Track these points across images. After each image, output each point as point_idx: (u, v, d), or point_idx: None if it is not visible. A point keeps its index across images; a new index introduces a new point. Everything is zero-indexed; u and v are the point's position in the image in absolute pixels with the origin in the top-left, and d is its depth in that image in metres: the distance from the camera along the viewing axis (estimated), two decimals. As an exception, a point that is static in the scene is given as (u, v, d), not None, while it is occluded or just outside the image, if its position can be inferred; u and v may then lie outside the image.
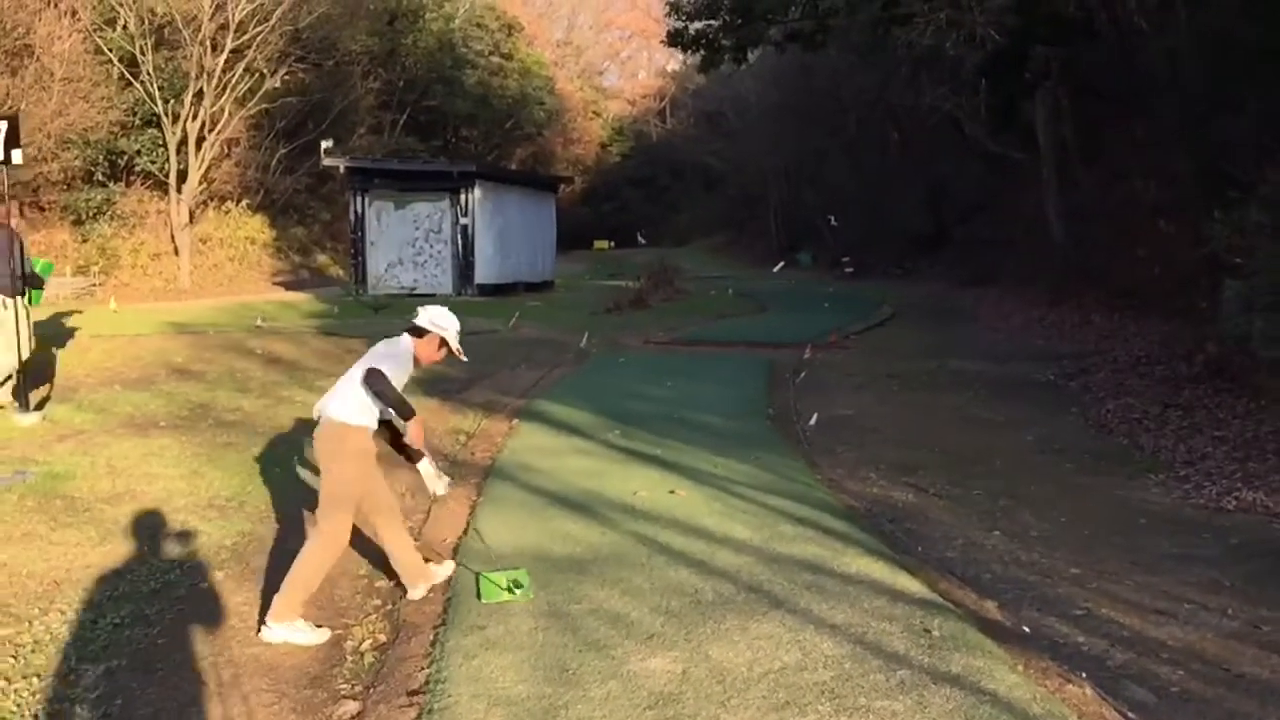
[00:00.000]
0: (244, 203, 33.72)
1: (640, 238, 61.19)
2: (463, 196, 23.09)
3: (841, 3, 14.89)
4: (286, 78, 33.43)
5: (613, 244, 65.59)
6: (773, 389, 11.90)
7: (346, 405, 4.90)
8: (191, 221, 30.58)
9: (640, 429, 9.34)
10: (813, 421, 9.02)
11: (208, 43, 29.42)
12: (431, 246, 23.32)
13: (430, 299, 23.08)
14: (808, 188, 49.89)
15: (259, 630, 4.81)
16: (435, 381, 12.33)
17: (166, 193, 30.39)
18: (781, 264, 43.65)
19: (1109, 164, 20.71)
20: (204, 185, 31.46)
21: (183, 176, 30.07)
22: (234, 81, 30.37)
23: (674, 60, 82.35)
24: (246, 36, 30.00)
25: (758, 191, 56.66)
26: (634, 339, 17.13)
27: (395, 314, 19.37)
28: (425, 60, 45.56)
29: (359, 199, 23.55)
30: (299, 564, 4.84)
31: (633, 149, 76.89)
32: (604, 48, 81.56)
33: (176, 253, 30.08)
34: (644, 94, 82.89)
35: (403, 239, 23.43)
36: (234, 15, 29.50)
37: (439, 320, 5.35)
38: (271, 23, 30.45)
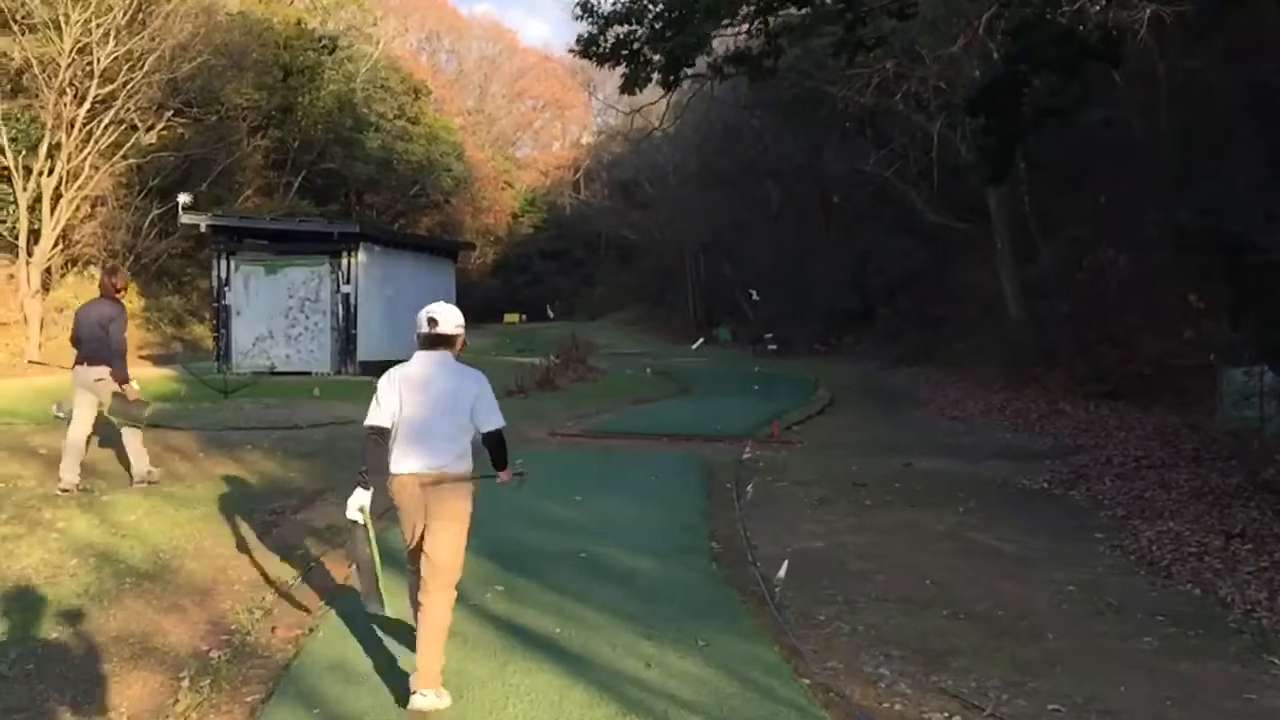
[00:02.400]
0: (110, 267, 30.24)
1: (550, 311, 58.64)
2: (345, 261, 20.19)
3: (798, 18, 12.53)
4: (163, 131, 30.36)
5: (524, 317, 63.07)
6: (713, 505, 9.19)
7: (466, 459, 4.71)
8: (45, 288, 27.12)
9: (535, 581, 6.54)
10: (782, 572, 6.29)
11: (68, 90, 26.29)
12: (308, 317, 20.32)
13: (304, 377, 20.11)
14: (727, 261, 47.92)
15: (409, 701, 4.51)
16: (271, 492, 9.41)
17: (16, 256, 26.92)
18: (701, 340, 41.42)
19: (1070, 234, 18.69)
20: (61, 247, 28.07)
21: (36, 237, 26.67)
22: (100, 134, 27.22)
23: (588, 132, 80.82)
24: (114, 85, 26.95)
25: (675, 264, 54.63)
26: (538, 430, 14.36)
27: (253, 396, 16.30)
28: (323, 120, 42.70)
29: (224, 262, 20.50)
30: (430, 628, 4.59)
31: (546, 220, 74.69)
32: (516, 117, 79.58)
33: (25, 322, 26.54)
34: (558, 165, 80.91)
35: (274, 308, 20.40)
36: (100, 60, 26.44)
37: (458, 319, 4.89)
38: (144, 70, 27.44)
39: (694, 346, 38.52)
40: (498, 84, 76.66)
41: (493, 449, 4.83)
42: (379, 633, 5.67)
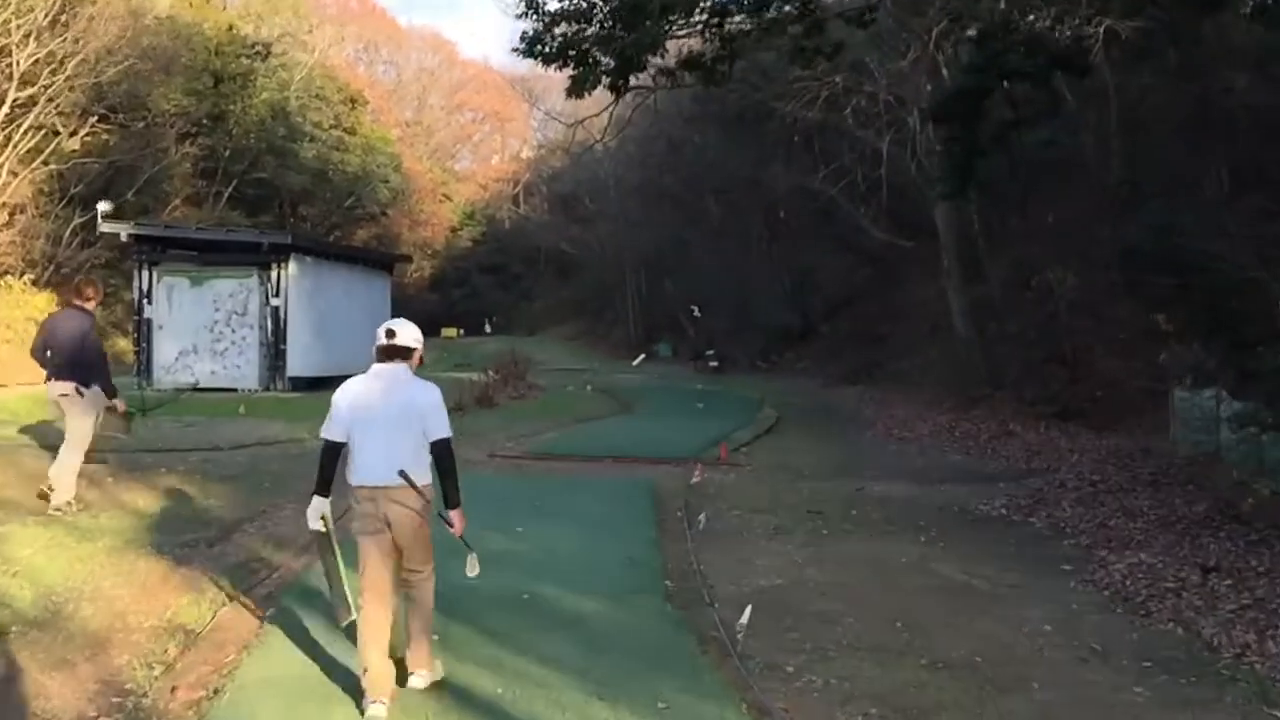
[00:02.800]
0: (27, 277, 28.93)
1: (487, 326, 57.84)
2: (274, 273, 19.35)
3: (754, 23, 12.05)
4: (87, 137, 29.22)
5: (462, 332, 62.12)
6: (663, 535, 8.62)
7: (425, 469, 4.80)
8: (-43, 298, 25.87)
9: (472, 628, 5.93)
10: (745, 619, 5.74)
11: (-18, 93, 25.18)
12: (234, 331, 19.44)
13: (230, 394, 19.22)
14: (668, 277, 47.52)
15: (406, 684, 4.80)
16: (185, 523, 8.68)
17: (-75, 265, 25.71)
18: (642, 356, 40.89)
19: (1018, 253, 18.47)
20: (-26, 257, 26.85)
21: (-54, 245, 25.48)
22: (19, 139, 26.08)
23: (528, 146, 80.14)
24: (34, 88, 25.86)
25: (615, 280, 54.11)
26: (476, 451, 13.70)
27: (173, 414, 15.44)
28: (256, 129, 41.59)
29: (146, 273, 19.55)
30: (420, 616, 4.90)
31: (484, 234, 73.79)
32: (455, 129, 78.65)
33: (-64, 333, 25.24)
34: (497, 178, 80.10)
35: (199, 322, 19.49)
36: (19, 63, 25.34)
37: (417, 335, 4.94)
38: (66, 73, 26.37)
39: (635, 363, 37.96)
40: (436, 95, 75.71)
41: (439, 459, 4.83)
42: (304, 683, 5.03)
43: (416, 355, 4.92)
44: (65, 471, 8.47)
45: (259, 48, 40.91)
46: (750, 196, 36.25)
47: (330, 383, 18.06)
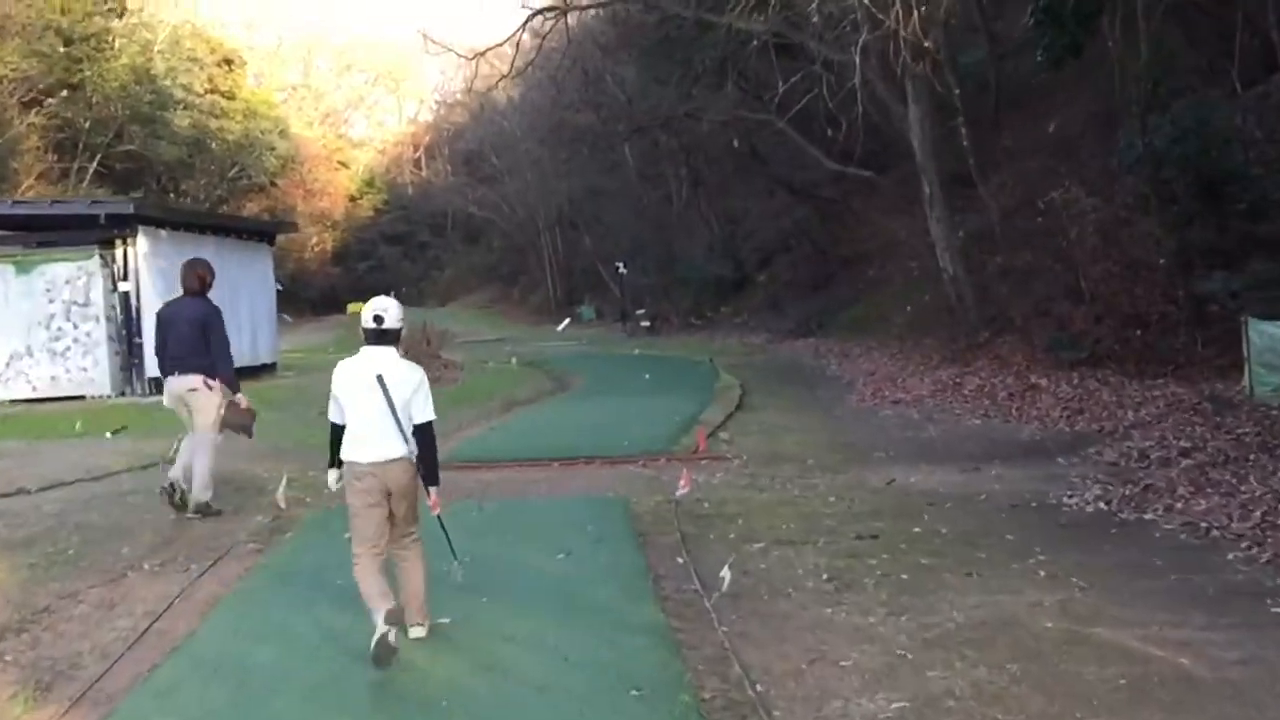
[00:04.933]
0: None
1: (394, 297, 54.04)
2: (121, 251, 15.77)
3: None
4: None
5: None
6: (671, 613, 5.49)
7: (414, 445, 5.00)
8: None
9: None
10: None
11: None
12: (76, 326, 15.79)
13: (77, 403, 15.72)
14: (586, 234, 44.35)
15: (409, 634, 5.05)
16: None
17: None
18: (567, 321, 37.82)
19: (1015, 174, 15.69)
20: None
21: None
22: None
23: (426, 108, 75.88)
24: None
25: (528, 241, 50.82)
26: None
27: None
28: (118, 95, 37.24)
29: (-45, 262, 15.82)
30: (419, 574, 5.20)
31: (387, 202, 69.77)
32: (347, 93, 73.93)
33: None
34: (396, 142, 75.84)
35: (31, 318, 15.83)
36: None
37: (401, 314, 5.15)
38: None
39: (560, 329, 34.94)
40: (323, 57, 70.90)
41: (422, 440, 5.02)
42: None
43: (401, 335, 5.15)
44: (201, 465, 8.04)
45: (111, 4, 36.44)
46: (672, 138, 33.17)
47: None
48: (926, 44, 13.06)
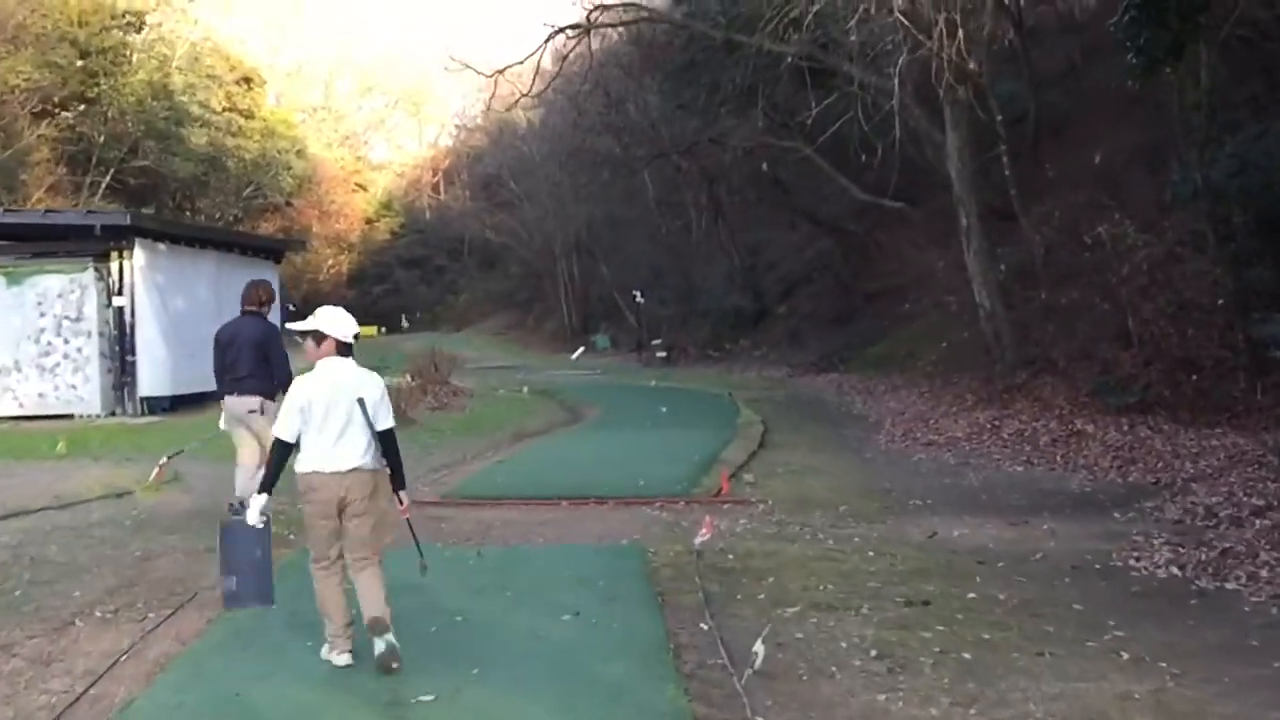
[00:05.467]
0: None
1: (405, 321, 53.41)
2: (116, 264, 15.06)
3: None
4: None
5: (384, 330, 57.77)
6: (696, 695, 4.66)
7: (378, 454, 5.01)
8: None
9: None
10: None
11: None
12: (67, 341, 15.07)
13: (64, 422, 14.99)
14: (604, 262, 43.63)
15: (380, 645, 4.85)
16: None
17: None
18: (580, 349, 37.06)
19: (1061, 206, 14.87)
20: None
21: None
22: None
23: (445, 133, 75.58)
24: None
25: (545, 267, 50.09)
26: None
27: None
28: (134, 110, 36.78)
29: (-57, 272, 15.13)
30: (381, 591, 5.02)
31: (404, 226, 69.25)
32: (368, 115, 73.68)
33: None
34: (415, 165, 75.46)
35: (20, 330, 15.10)
36: None
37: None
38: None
39: (574, 357, 34.13)
40: (345, 79, 70.66)
41: (387, 447, 5.02)
42: None
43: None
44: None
45: (130, 18, 36.02)
46: (693, 165, 32.48)
47: (198, 402, 13.83)
48: (971, 65, 12.29)
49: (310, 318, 5.10)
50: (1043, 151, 16.12)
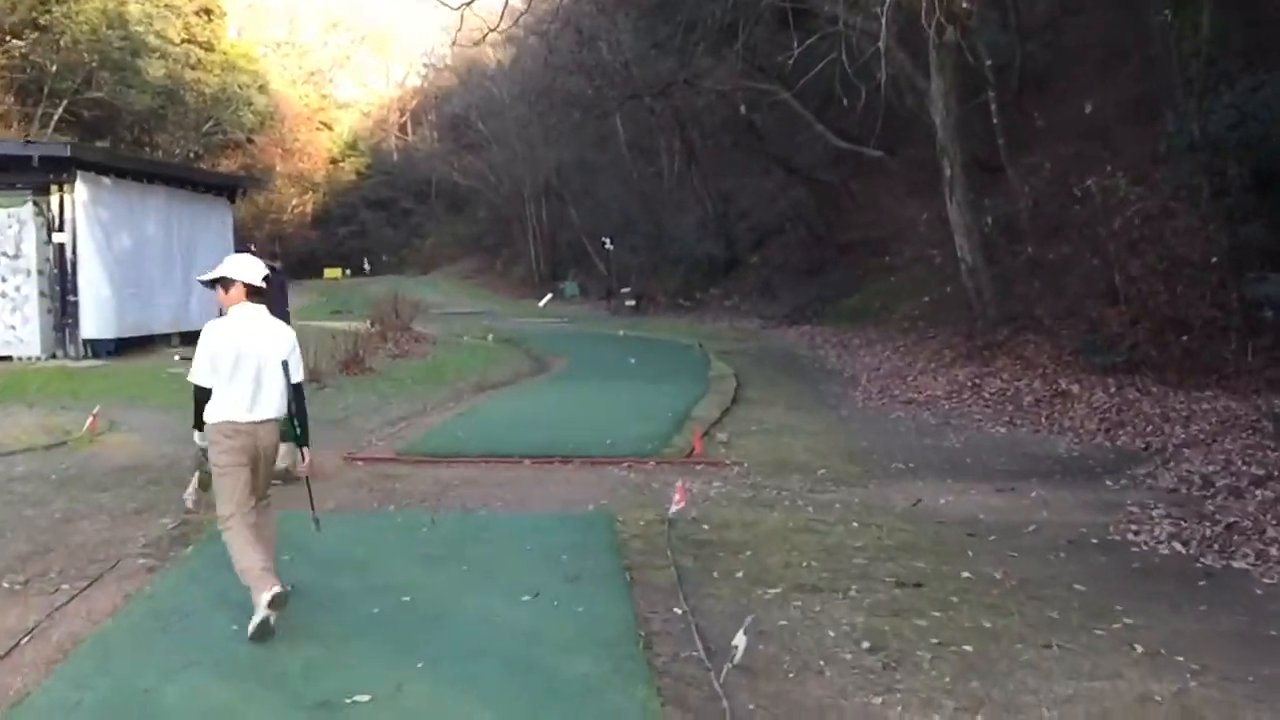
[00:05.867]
0: None
1: (366, 264, 52.40)
2: (56, 199, 14.23)
3: None
4: None
5: (348, 272, 56.74)
6: (670, 698, 4.15)
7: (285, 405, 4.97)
8: None
9: None
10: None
11: None
12: (4, 280, 14.29)
13: (2, 364, 14.24)
14: (572, 206, 42.80)
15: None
16: None
17: None
18: (549, 296, 36.38)
19: (1049, 158, 14.32)
20: None
21: None
22: None
23: (414, 72, 73.83)
24: None
25: (513, 212, 49.16)
26: (327, 450, 9.17)
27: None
28: (88, 39, 35.33)
29: (-128, 203, 14.24)
30: (272, 535, 5.05)
31: (370, 166, 67.80)
32: (334, 51, 71.80)
33: None
34: (381, 105, 73.79)
35: (-45, 268, 14.33)
36: None
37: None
38: None
39: (541, 304, 33.48)
40: (309, 12, 68.74)
41: (297, 405, 5.01)
42: None
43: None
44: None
45: (84, -58, 34.52)
46: (667, 108, 31.66)
47: (145, 345, 13.15)
48: (963, 3, 11.64)
49: (219, 266, 5.02)
50: (1029, 102, 15.54)
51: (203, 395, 4.86)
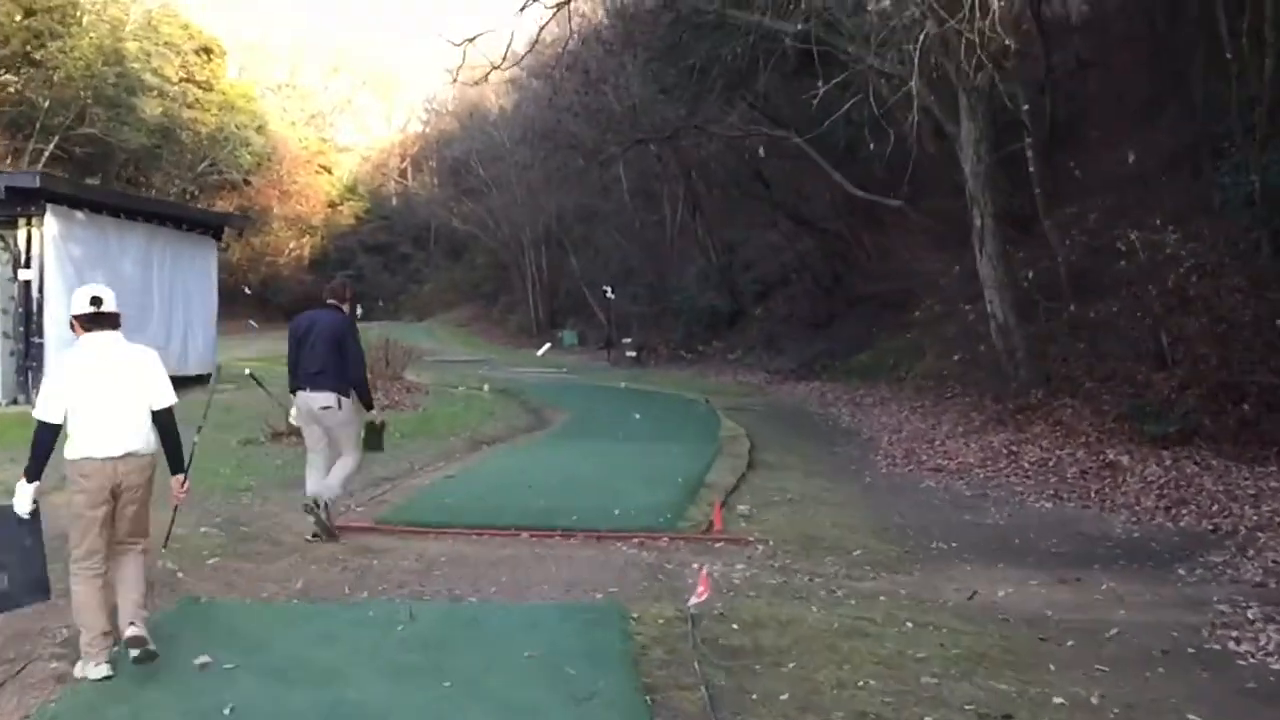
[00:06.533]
0: None
1: (358, 309, 51.55)
2: (23, 233, 13.29)
3: None
4: None
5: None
6: None
7: (152, 437, 4.78)
8: None
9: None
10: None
11: None
12: (-36, 319, 13.34)
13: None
14: (572, 254, 42.03)
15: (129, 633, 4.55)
16: None
17: None
18: (547, 345, 35.43)
19: (1087, 210, 13.43)
20: None
21: None
22: None
23: (415, 118, 73.51)
24: None
25: (512, 258, 48.42)
26: (299, 516, 8.16)
27: None
28: (82, 76, 34.72)
29: None
30: (141, 582, 4.80)
31: (369, 211, 67.16)
32: (335, 95, 71.48)
33: None
34: (381, 149, 73.39)
35: (-88, 306, 13.34)
36: None
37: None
38: None
39: (540, 353, 32.48)
40: (312, 58, 68.44)
41: (164, 427, 4.78)
42: None
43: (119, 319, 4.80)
44: (345, 476, 7.65)
45: (80, -24, 34.02)
46: (672, 156, 30.93)
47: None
48: (1008, 42, 10.80)
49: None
50: (1062, 151, 14.70)
51: (42, 434, 4.53)
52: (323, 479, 7.57)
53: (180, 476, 4.94)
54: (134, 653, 4.45)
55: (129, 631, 4.54)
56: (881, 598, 6.56)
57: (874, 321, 23.30)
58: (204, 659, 4.64)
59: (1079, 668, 5.34)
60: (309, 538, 7.45)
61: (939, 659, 5.21)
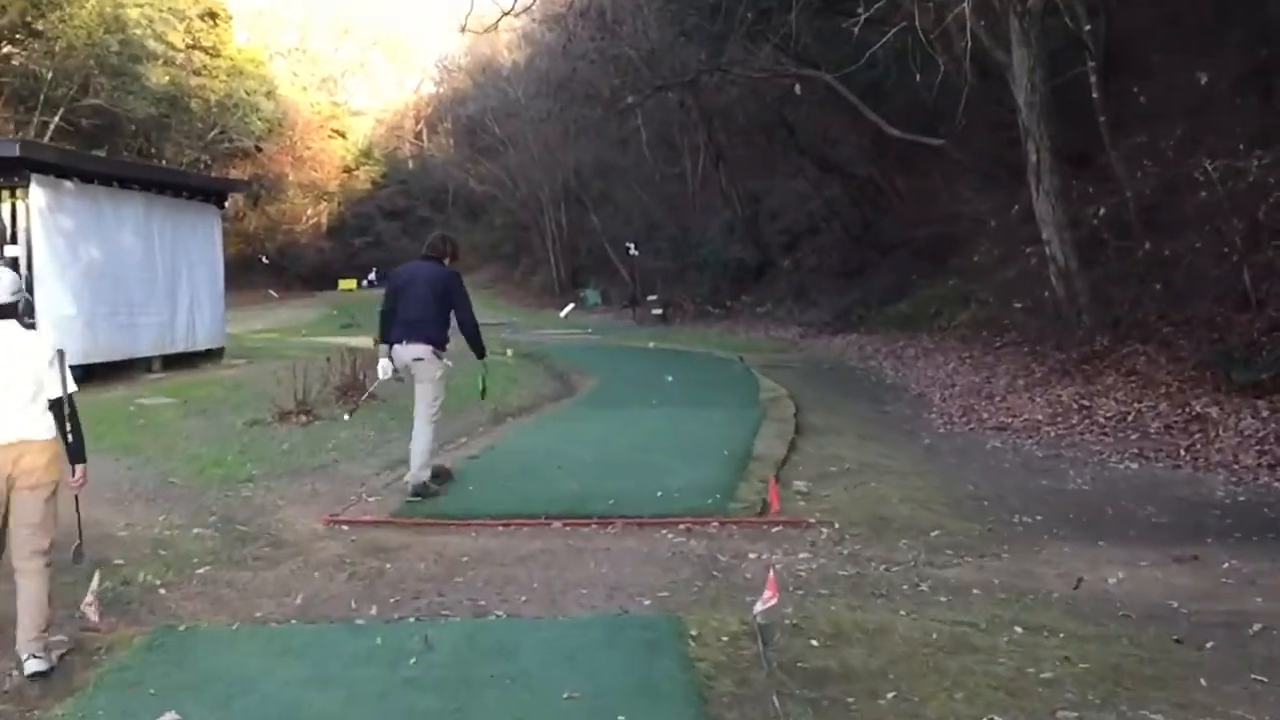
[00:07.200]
0: None
1: (372, 275, 50.82)
2: (7, 206, 12.41)
3: None
4: None
5: (367, 282, 55.10)
6: None
7: (49, 423, 4.51)
8: None
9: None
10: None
11: None
12: (-49, 300, 12.53)
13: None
14: (593, 210, 40.98)
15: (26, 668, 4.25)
16: None
17: None
18: (570, 306, 34.50)
19: (1156, 135, 12.31)
20: None
21: None
22: None
23: (428, 79, 72.22)
24: None
25: (531, 218, 47.41)
26: (304, 507, 7.33)
27: None
28: (84, 45, 33.80)
29: None
30: (43, 597, 4.43)
31: (385, 175, 66.19)
32: (345, 58, 70.23)
33: None
34: (395, 112, 72.20)
35: (-105, 287, 12.52)
36: None
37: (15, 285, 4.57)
38: None
39: (563, 314, 31.56)
40: (321, 20, 67.17)
41: (59, 422, 4.52)
42: None
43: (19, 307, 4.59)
44: (423, 444, 7.51)
45: (78, -58, 32.98)
46: (694, 103, 29.74)
47: (122, 370, 11.38)
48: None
49: None
50: (1124, 76, 13.53)
51: None
52: (424, 457, 7.53)
53: (80, 466, 4.64)
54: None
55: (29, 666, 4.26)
56: (975, 591, 5.63)
57: (910, 269, 22.24)
58: (170, 717, 3.76)
59: (1234, 680, 4.40)
60: (410, 498, 7.46)
61: (1070, 680, 4.27)
